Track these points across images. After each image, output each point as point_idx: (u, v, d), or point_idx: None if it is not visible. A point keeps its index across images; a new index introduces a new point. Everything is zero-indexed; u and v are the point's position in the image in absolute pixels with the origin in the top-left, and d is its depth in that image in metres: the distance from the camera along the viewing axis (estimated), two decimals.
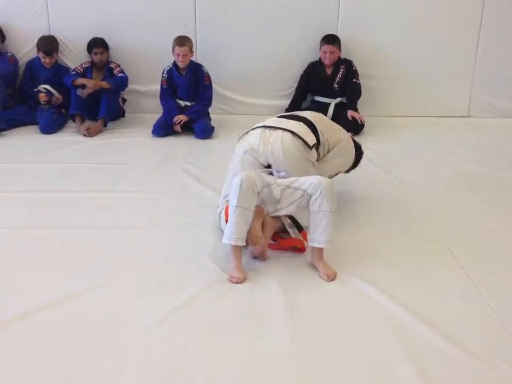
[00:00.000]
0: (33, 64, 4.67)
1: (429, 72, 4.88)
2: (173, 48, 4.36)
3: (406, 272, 2.60)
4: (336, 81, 4.63)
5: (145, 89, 4.86)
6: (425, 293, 2.43)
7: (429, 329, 2.19)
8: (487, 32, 4.81)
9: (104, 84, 4.52)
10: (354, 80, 4.62)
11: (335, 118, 4.49)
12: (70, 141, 4.24)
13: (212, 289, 2.44)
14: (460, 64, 4.90)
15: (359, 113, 4.52)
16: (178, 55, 4.34)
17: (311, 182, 2.59)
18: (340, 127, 3.21)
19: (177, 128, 4.39)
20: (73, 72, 4.60)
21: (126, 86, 4.69)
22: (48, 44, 4.60)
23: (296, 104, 4.78)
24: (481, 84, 4.95)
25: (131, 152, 4.11)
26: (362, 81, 4.66)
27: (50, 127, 4.42)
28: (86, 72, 4.62)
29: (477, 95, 5.00)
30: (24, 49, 4.74)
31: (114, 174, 3.64)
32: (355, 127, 4.43)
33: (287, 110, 4.80)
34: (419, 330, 2.19)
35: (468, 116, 5.02)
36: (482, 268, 2.63)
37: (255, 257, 2.67)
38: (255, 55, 4.85)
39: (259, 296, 2.41)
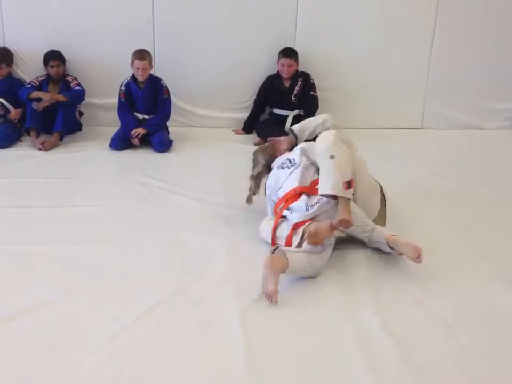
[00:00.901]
0: None
1: (383, 85, 4.98)
2: (132, 62, 4.35)
3: (365, 279, 2.65)
4: (294, 94, 4.69)
5: (103, 102, 4.83)
6: (386, 300, 2.48)
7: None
8: (439, 46, 4.94)
9: (60, 97, 4.47)
10: (311, 93, 4.69)
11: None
12: (25, 156, 4.19)
13: (165, 304, 2.43)
14: (413, 77, 5.02)
15: None
16: (138, 68, 4.33)
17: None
18: None
19: (135, 141, 4.37)
20: (29, 85, 4.55)
21: (83, 99, 4.65)
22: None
23: (254, 116, 4.84)
24: (434, 96, 5.08)
25: (88, 166, 4.07)
26: (319, 93, 4.73)
27: (5, 142, 4.35)
28: (41, 85, 4.56)
29: (430, 107, 5.13)
30: None
31: (70, 188, 3.61)
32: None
33: (245, 123, 4.86)
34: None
35: (422, 128, 5.14)
36: (438, 278, 2.68)
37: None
38: (213, 68, 4.88)
39: (215, 310, 2.41)
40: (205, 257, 2.83)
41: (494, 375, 2.08)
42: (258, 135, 4.67)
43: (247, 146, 4.51)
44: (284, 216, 2.90)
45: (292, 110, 4.67)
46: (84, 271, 2.67)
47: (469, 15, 4.89)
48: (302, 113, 4.68)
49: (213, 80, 4.88)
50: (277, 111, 4.75)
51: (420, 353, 2.16)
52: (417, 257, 2.60)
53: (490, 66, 5.04)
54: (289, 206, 2.88)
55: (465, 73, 5.04)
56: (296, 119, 4.62)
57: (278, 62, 4.71)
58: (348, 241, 2.92)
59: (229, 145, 4.53)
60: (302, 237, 2.71)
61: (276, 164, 3.16)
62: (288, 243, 2.77)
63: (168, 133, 4.54)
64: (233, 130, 4.90)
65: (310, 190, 2.88)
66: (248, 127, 4.85)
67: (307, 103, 4.68)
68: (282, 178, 3.01)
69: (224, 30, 4.80)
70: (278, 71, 4.74)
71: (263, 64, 4.83)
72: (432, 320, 2.37)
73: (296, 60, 4.69)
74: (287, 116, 4.66)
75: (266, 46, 4.82)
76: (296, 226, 2.79)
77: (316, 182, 2.87)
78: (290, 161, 3.07)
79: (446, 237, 3.10)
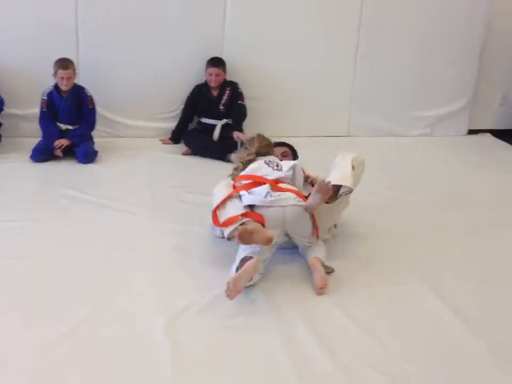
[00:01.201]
0: None
1: (311, 94, 5.06)
2: (56, 71, 4.21)
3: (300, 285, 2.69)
4: (222, 103, 4.68)
5: (24, 113, 4.64)
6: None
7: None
8: (363, 57, 5.08)
9: None
10: (239, 102, 4.70)
11: (221, 140, 4.58)
12: None
13: (90, 318, 2.36)
14: (339, 86, 5.13)
15: (244, 134, 4.59)
16: (62, 78, 4.20)
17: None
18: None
19: (58, 152, 4.23)
20: None
21: (2, 109, 4.46)
22: None
23: (182, 126, 4.78)
24: (359, 105, 5.21)
25: (7, 179, 3.87)
26: (247, 102, 4.74)
27: None
28: None
29: (355, 115, 5.25)
30: None
31: None
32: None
33: (173, 132, 4.80)
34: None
35: (348, 135, 5.26)
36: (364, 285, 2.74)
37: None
38: (140, 77, 4.79)
39: (141, 322, 2.36)
40: (132, 269, 2.77)
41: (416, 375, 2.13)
42: (186, 144, 4.62)
43: (175, 156, 4.50)
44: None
45: (220, 119, 4.66)
46: (3, 287, 2.55)
47: (391, 26, 5.05)
48: (230, 122, 4.68)
49: (140, 89, 4.79)
50: (205, 120, 4.72)
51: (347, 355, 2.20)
52: (321, 288, 2.60)
53: (412, 76, 5.22)
54: (250, 189, 2.89)
55: (388, 83, 5.19)
56: (225, 128, 4.64)
57: (205, 71, 4.69)
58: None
59: (156, 155, 4.45)
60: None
61: (263, 158, 3.20)
62: (226, 224, 2.73)
63: (93, 143, 4.41)
64: (160, 140, 4.83)
65: (277, 187, 2.90)
66: (176, 136, 4.79)
67: (235, 112, 4.68)
68: (264, 171, 3.04)
69: (152, 39, 4.72)
70: (205, 80, 4.72)
71: (191, 73, 4.79)
72: (357, 325, 2.41)
73: (224, 69, 4.69)
74: (215, 125, 4.64)
75: (194, 55, 4.79)
76: (245, 214, 2.75)
77: (289, 189, 2.91)
78: (278, 165, 3.12)
79: (375, 244, 3.16)
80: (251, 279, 2.57)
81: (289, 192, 2.88)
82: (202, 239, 3.09)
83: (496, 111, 5.51)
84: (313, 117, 5.12)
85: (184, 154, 4.52)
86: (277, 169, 3.08)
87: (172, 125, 4.83)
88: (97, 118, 4.46)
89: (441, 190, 4.03)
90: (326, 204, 2.85)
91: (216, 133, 4.59)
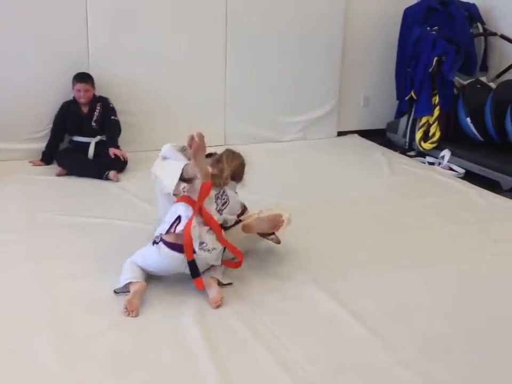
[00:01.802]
0: None
1: (186, 106, 5.05)
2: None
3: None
4: (94, 119, 4.52)
5: None
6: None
7: None
8: (232, 68, 5.17)
9: None
10: (112, 117, 4.56)
11: (97, 157, 4.42)
12: None
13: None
14: (212, 96, 5.17)
15: (121, 150, 4.47)
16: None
17: None
18: None
19: None
20: None
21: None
22: None
23: (53, 146, 4.55)
24: (233, 113, 5.29)
25: None
26: (121, 117, 4.62)
27: None
28: None
29: (230, 124, 5.32)
30: None
31: None
32: (118, 165, 4.38)
33: (44, 153, 4.56)
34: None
35: (225, 144, 5.30)
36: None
37: None
38: (3, 97, 4.50)
39: (33, 353, 2.20)
40: (18, 298, 2.59)
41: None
42: (59, 165, 4.39)
43: (49, 178, 4.27)
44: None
45: (94, 136, 4.49)
46: None
47: (257, 37, 5.18)
48: (104, 138, 4.53)
49: (3, 109, 4.50)
50: (78, 138, 4.53)
51: None
52: (216, 303, 2.58)
53: (281, 83, 5.38)
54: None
55: (259, 91, 5.31)
56: (99, 145, 4.48)
57: (73, 88, 4.50)
58: None
59: (28, 178, 4.19)
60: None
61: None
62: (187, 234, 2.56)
63: None
64: (30, 162, 4.56)
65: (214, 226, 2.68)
66: (47, 157, 4.55)
67: (109, 128, 4.54)
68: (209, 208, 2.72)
69: (12, 56, 4.47)
70: (74, 97, 4.54)
71: (57, 90, 4.58)
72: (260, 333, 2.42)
73: (92, 85, 4.53)
74: (88, 143, 4.47)
75: (58, 71, 4.59)
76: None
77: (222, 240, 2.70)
78: (225, 203, 2.78)
79: (264, 251, 3.21)
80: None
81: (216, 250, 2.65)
82: (90, 262, 2.96)
83: (360, 113, 5.84)
84: (189, 128, 4.96)
85: (58, 175, 4.31)
86: (220, 209, 2.75)
87: (41, 145, 4.58)
88: None
89: (319, 191, 4.18)
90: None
91: (91, 151, 4.42)
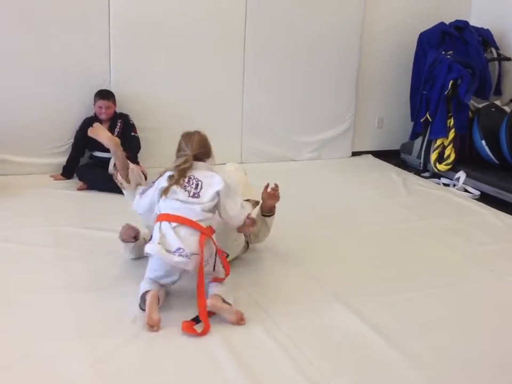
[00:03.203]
0: None
1: (202, 123, 5.03)
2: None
3: None
4: (115, 135, 4.57)
5: None
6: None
7: None
8: (250, 87, 5.25)
9: None
10: (132, 133, 4.63)
11: None
12: None
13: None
14: (230, 114, 5.25)
15: (140, 165, 4.52)
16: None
17: None
18: None
19: None
20: None
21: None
22: None
23: (73, 161, 4.63)
24: (249, 132, 5.36)
25: None
26: (140, 134, 4.69)
27: None
28: None
29: (247, 142, 5.39)
30: None
31: None
32: None
33: (64, 168, 4.63)
34: None
35: (241, 162, 5.36)
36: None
37: None
38: (25, 112, 4.59)
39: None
40: (49, 311, 2.62)
41: None
42: (80, 179, 4.46)
43: (70, 192, 4.33)
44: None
45: None
46: None
47: (274, 58, 5.27)
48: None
49: (26, 124, 4.60)
50: (98, 154, 4.59)
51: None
52: (241, 320, 2.57)
53: (298, 104, 5.46)
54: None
55: (276, 111, 5.39)
56: None
57: (94, 104, 4.59)
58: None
59: (50, 192, 4.26)
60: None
61: (194, 168, 2.74)
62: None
63: None
64: (51, 176, 4.63)
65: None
66: (68, 172, 4.62)
67: (129, 144, 4.59)
68: (178, 197, 2.65)
69: (37, 72, 4.57)
70: (95, 113, 4.61)
71: (80, 106, 4.68)
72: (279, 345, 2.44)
73: (114, 102, 4.61)
74: (109, 158, 4.51)
75: (81, 88, 4.69)
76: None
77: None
78: (197, 185, 2.67)
79: (278, 266, 3.23)
80: (159, 304, 2.60)
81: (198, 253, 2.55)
82: (114, 275, 3.00)
83: (374, 133, 5.90)
84: None
85: (79, 189, 4.37)
86: (193, 196, 2.65)
87: (62, 160, 4.66)
88: None
89: (335, 210, 4.21)
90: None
91: (111, 167, 4.47)
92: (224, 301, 2.62)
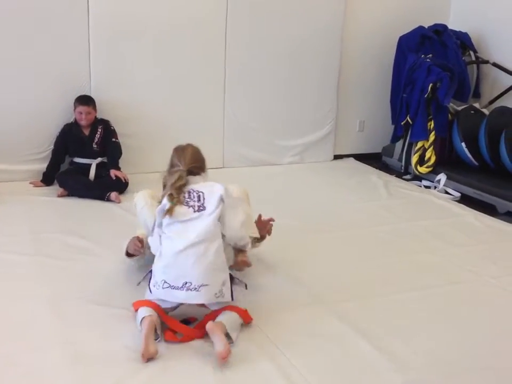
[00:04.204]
0: None
1: (186, 129, 5.09)
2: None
3: None
4: (95, 141, 4.56)
5: None
6: None
7: None
8: (231, 93, 5.25)
9: None
10: (113, 139, 4.60)
11: (98, 178, 4.45)
12: None
13: None
14: (211, 120, 5.24)
15: (122, 171, 4.51)
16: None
17: None
18: None
19: None
20: None
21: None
22: None
23: (54, 167, 4.58)
24: (231, 137, 5.35)
25: None
26: (121, 139, 4.66)
27: None
28: None
29: (228, 147, 5.38)
30: None
31: None
32: (119, 186, 4.41)
33: (44, 174, 4.58)
34: None
35: (223, 167, 5.36)
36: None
37: None
38: (5, 118, 4.53)
39: None
40: (25, 319, 2.58)
41: None
42: (60, 186, 4.41)
43: (50, 198, 4.28)
44: None
45: (95, 158, 4.53)
46: None
47: (256, 63, 5.28)
48: (105, 160, 4.57)
49: (5, 130, 4.53)
50: (79, 160, 4.56)
51: None
52: (223, 358, 2.27)
53: (280, 108, 5.47)
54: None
55: (258, 115, 5.40)
56: (100, 167, 4.52)
57: (74, 110, 4.55)
58: None
59: (30, 199, 4.20)
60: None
61: (189, 184, 2.60)
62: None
63: None
64: (31, 183, 4.58)
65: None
66: (48, 178, 4.57)
67: (110, 150, 4.58)
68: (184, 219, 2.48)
69: (16, 78, 4.53)
70: (75, 119, 4.58)
71: (59, 112, 4.64)
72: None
73: (94, 107, 4.58)
74: (89, 165, 4.50)
75: (60, 93, 4.65)
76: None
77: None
78: (199, 198, 2.53)
79: (265, 270, 3.24)
80: (156, 336, 2.41)
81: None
82: (95, 283, 2.98)
83: (356, 137, 5.93)
84: None
85: (59, 196, 4.32)
86: (198, 210, 2.49)
87: (42, 166, 4.61)
88: None
89: (318, 213, 4.22)
90: None
91: (92, 173, 4.46)
92: (227, 334, 2.38)
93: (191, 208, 2.50)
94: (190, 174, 2.61)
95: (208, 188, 2.59)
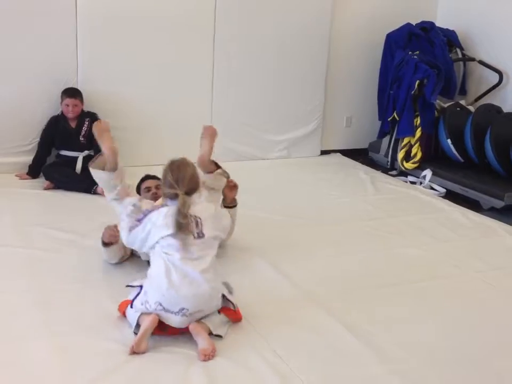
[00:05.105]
0: None
1: (173, 122, 5.09)
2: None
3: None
4: (82, 134, 4.53)
5: None
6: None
7: None
8: (219, 87, 5.25)
9: None
10: None
11: (84, 171, 4.41)
12: None
13: None
14: (198, 114, 5.21)
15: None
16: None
17: None
18: None
19: None
20: None
21: None
22: None
23: (40, 160, 4.55)
24: (219, 131, 5.32)
25: None
26: None
27: None
28: None
29: (216, 141, 5.35)
30: None
31: None
32: None
33: (30, 167, 4.55)
34: None
35: None
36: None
37: None
38: None
39: None
40: (10, 312, 2.57)
41: None
42: (47, 179, 4.39)
43: (36, 191, 4.26)
44: None
45: (81, 151, 4.50)
46: None
47: (244, 57, 5.27)
48: (92, 153, 4.54)
49: None
50: (65, 152, 4.54)
51: None
52: (206, 355, 2.31)
53: (268, 103, 5.47)
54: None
55: (245, 110, 5.40)
56: (87, 160, 4.49)
57: (61, 103, 4.52)
58: None
59: (16, 192, 4.18)
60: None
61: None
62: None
63: None
64: (16, 176, 4.54)
65: None
66: (34, 171, 4.54)
67: (97, 143, 4.54)
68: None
69: (2, 70, 4.49)
70: (62, 112, 4.55)
71: (46, 104, 4.61)
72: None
73: (81, 100, 4.56)
74: (76, 157, 4.48)
75: (47, 85, 4.62)
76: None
77: None
78: (197, 223, 2.48)
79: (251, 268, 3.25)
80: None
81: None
82: (82, 275, 2.97)
83: (343, 132, 5.96)
84: (176, 144, 5.09)
85: (46, 189, 4.30)
86: (198, 237, 2.46)
87: (28, 159, 4.58)
88: None
89: (304, 209, 4.24)
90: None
91: (79, 165, 4.44)
92: (210, 333, 2.42)
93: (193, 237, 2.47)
94: (187, 194, 2.51)
95: (204, 212, 2.53)
